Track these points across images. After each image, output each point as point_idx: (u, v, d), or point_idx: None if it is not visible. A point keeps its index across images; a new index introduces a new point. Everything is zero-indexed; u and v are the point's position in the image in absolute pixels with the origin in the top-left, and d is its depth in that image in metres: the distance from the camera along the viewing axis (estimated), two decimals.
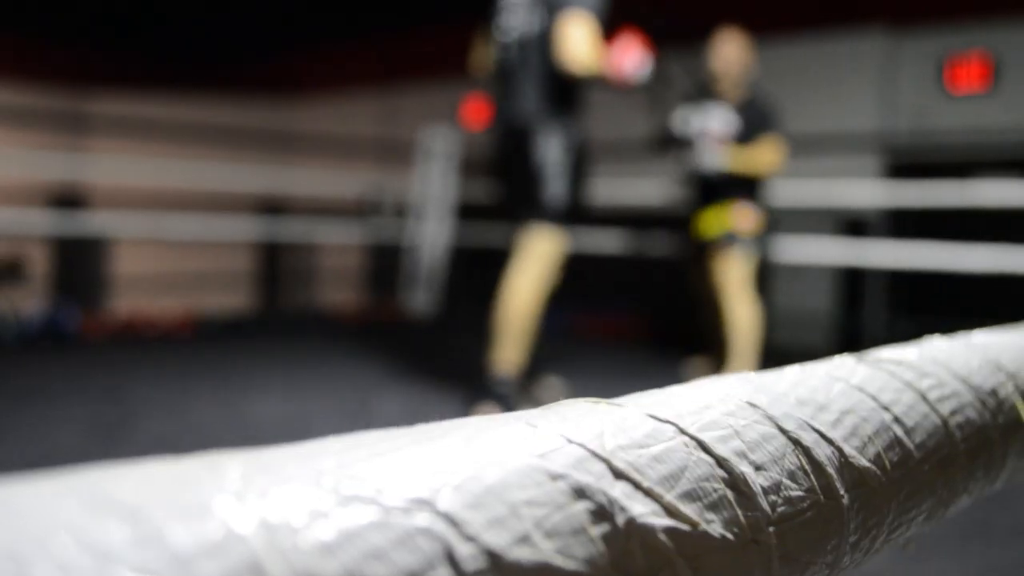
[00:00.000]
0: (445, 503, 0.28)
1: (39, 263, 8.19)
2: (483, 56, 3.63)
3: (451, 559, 0.27)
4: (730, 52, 4.22)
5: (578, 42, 3.19)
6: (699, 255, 4.39)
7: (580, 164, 3.46)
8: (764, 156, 4.15)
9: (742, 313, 4.10)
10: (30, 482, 0.24)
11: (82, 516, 0.23)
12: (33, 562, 0.21)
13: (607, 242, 5.97)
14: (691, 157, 4.22)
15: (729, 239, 4.15)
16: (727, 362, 4.20)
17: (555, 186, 3.33)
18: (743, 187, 4.21)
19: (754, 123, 4.20)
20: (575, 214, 3.47)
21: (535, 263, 3.32)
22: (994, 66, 5.57)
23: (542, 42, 3.32)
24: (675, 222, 4.68)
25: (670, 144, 4.33)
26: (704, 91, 4.32)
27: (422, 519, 0.27)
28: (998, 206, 4.78)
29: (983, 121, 5.63)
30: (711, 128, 4.18)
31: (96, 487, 0.24)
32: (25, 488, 0.24)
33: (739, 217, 4.16)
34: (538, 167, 3.32)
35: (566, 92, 3.37)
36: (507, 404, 3.25)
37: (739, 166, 4.14)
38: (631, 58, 3.37)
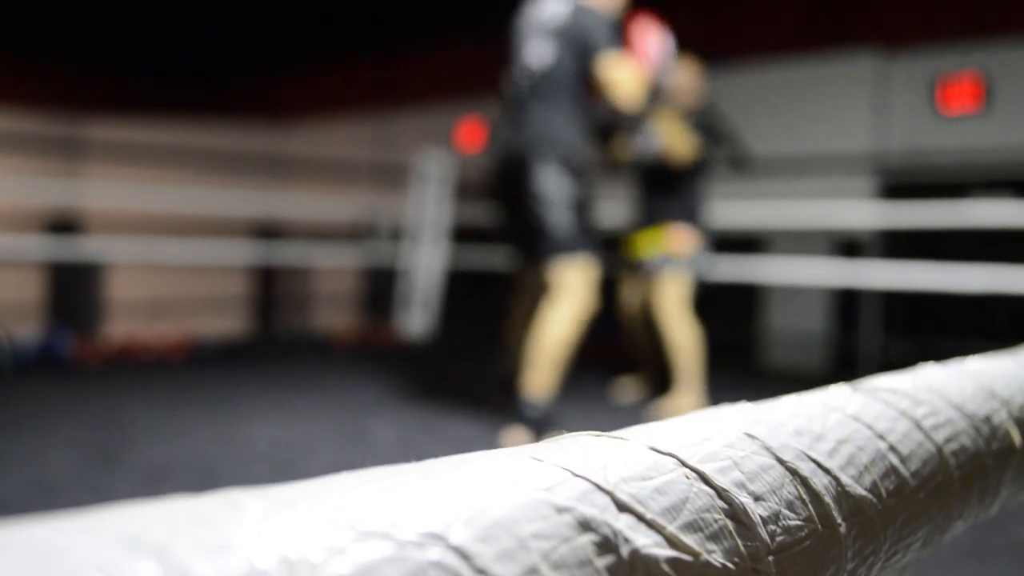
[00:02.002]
0: (457, 537, 0.29)
1: (34, 289, 8.17)
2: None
3: None
4: (684, 80, 4.25)
5: (627, 84, 3.26)
6: (633, 275, 4.44)
7: (586, 188, 3.46)
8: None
9: (680, 335, 4.11)
10: (59, 521, 0.25)
11: (112, 554, 0.23)
12: None
13: None
14: (634, 144, 4.21)
15: (662, 261, 4.17)
16: (671, 385, 4.20)
17: (563, 217, 3.33)
18: (682, 208, 4.23)
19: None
20: (592, 238, 3.48)
21: (567, 296, 3.32)
22: (986, 86, 5.62)
23: (556, 74, 3.35)
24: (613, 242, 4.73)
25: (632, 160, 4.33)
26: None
27: (435, 553, 0.28)
28: (992, 226, 4.80)
29: (976, 141, 5.66)
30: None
31: (123, 525, 0.25)
32: (55, 527, 0.25)
33: (674, 240, 4.18)
34: (545, 200, 3.33)
35: (576, 121, 3.39)
36: (538, 428, 3.23)
37: (670, 146, 4.12)
38: (654, 42, 3.50)
